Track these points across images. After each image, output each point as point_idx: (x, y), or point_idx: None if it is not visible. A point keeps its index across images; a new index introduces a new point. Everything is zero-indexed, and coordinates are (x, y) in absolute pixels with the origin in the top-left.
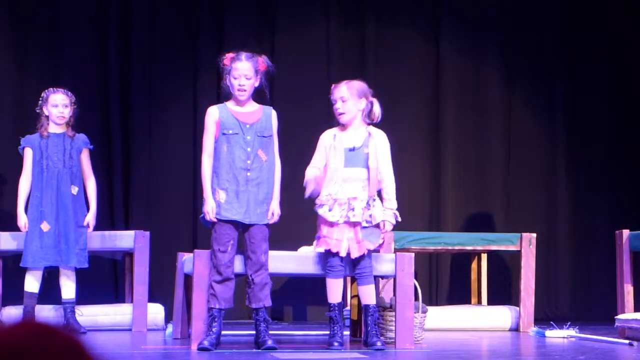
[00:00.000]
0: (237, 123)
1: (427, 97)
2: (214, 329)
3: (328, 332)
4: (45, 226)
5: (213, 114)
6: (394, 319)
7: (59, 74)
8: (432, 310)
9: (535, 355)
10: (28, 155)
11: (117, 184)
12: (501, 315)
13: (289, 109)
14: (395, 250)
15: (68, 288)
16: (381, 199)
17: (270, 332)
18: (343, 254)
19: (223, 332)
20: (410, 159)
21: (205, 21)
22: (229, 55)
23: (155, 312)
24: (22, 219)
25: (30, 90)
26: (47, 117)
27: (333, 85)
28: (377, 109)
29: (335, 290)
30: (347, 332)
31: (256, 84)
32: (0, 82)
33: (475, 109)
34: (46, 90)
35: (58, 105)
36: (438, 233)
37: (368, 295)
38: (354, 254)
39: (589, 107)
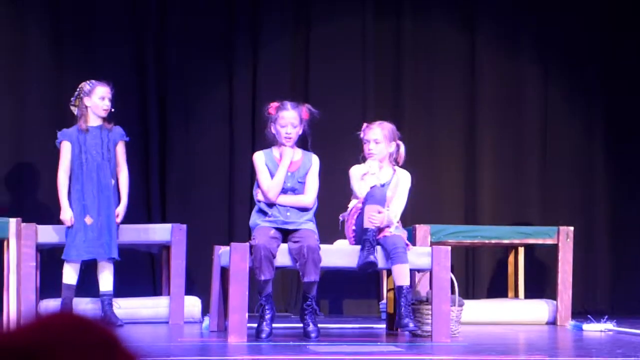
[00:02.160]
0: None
1: (462, 90)
2: (267, 317)
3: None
4: (88, 219)
5: (261, 157)
6: (430, 313)
7: (96, 68)
8: (469, 303)
9: (572, 349)
10: (66, 148)
11: (154, 177)
12: (538, 309)
13: (323, 102)
14: (432, 244)
15: (106, 280)
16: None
17: None
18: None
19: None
20: (446, 152)
21: (240, 14)
22: (274, 104)
23: (192, 304)
24: (68, 213)
25: (68, 84)
26: (87, 108)
27: (365, 125)
28: (402, 152)
29: (372, 215)
30: (383, 325)
31: (300, 132)
32: (36, 75)
33: (512, 102)
34: (88, 82)
35: (105, 98)
36: (475, 226)
37: (401, 275)
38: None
39: (628, 99)
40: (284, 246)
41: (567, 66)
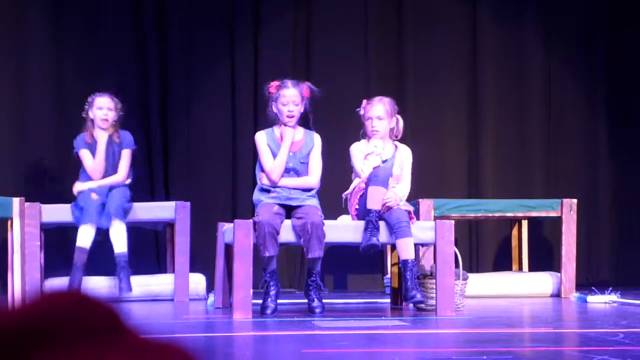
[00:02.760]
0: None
1: (464, 62)
2: (271, 293)
3: (362, 237)
4: (94, 195)
5: (262, 137)
6: (434, 287)
7: (96, 47)
8: (473, 277)
9: (577, 320)
10: (87, 155)
11: (157, 155)
12: (542, 282)
13: (325, 78)
14: (435, 218)
15: (118, 242)
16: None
17: None
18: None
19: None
20: (448, 125)
21: None
22: (275, 83)
23: (197, 281)
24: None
25: (68, 65)
26: (92, 121)
27: (365, 102)
28: (400, 126)
29: (375, 196)
30: (387, 300)
31: (301, 110)
32: (37, 53)
33: (514, 74)
34: (92, 95)
35: (103, 108)
36: (478, 200)
37: (406, 249)
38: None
39: (630, 70)
40: (287, 222)
41: (570, 37)
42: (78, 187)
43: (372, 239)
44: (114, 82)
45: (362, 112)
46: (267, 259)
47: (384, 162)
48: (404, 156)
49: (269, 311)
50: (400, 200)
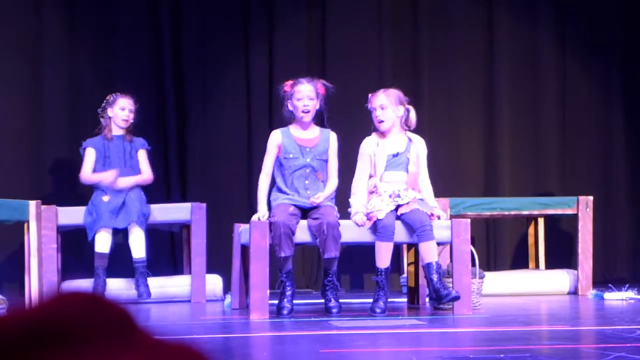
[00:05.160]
0: (297, 147)
1: (480, 61)
2: (287, 293)
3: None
4: (105, 198)
5: (276, 137)
6: (451, 286)
7: (112, 47)
8: (490, 275)
9: (594, 317)
10: (90, 153)
11: (173, 156)
12: (559, 279)
13: (340, 74)
14: (451, 217)
15: (136, 247)
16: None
17: None
18: (381, 216)
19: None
20: (464, 124)
21: None
22: (289, 82)
23: (214, 282)
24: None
25: (83, 65)
26: (110, 119)
27: (370, 94)
28: (413, 116)
29: (384, 254)
30: (404, 299)
31: (317, 107)
32: (48, 53)
33: (530, 73)
34: (113, 94)
35: (125, 109)
36: (494, 198)
37: (430, 252)
38: (404, 210)
39: None
40: (303, 223)
41: (585, 35)
42: (100, 176)
43: (380, 303)
44: (129, 84)
45: (368, 106)
46: (283, 260)
47: (395, 155)
48: (419, 148)
49: (285, 312)
50: (439, 210)
